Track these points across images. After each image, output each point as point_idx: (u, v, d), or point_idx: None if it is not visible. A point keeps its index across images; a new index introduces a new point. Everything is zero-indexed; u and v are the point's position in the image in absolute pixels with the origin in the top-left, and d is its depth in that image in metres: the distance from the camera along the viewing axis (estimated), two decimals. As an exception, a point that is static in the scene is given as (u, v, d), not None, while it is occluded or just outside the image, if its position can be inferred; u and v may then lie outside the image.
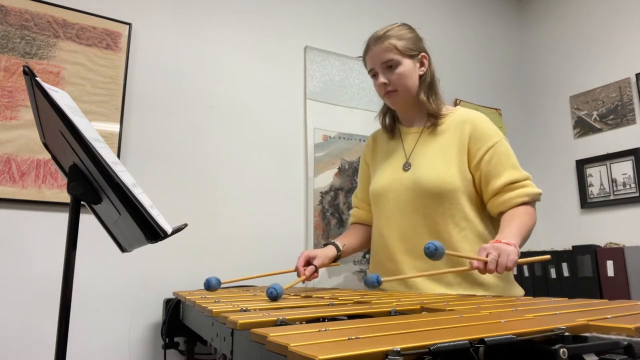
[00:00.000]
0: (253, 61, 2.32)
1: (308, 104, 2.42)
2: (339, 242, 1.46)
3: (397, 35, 1.31)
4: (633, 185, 2.63)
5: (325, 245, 1.46)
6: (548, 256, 1.09)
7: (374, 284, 1.05)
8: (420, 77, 1.34)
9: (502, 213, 1.23)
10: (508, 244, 1.04)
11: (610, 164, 2.74)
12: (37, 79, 0.76)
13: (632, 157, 2.65)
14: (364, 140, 2.54)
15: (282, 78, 2.39)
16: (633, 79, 2.70)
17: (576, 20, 3.07)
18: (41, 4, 1.85)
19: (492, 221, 1.31)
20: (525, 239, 1.16)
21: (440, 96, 1.36)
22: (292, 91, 2.41)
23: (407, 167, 1.34)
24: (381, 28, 1.36)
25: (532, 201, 1.23)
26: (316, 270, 1.36)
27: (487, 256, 1.02)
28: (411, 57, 1.33)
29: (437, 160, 1.28)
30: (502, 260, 1.00)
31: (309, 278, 1.35)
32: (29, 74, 0.76)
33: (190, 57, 2.16)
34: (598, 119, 2.87)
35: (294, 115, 2.39)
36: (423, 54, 1.35)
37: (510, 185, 1.23)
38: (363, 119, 2.57)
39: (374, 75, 1.38)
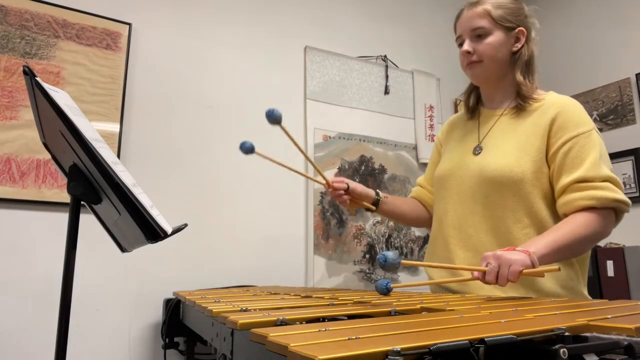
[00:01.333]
0: (253, 61, 2.32)
1: (308, 104, 2.42)
2: (383, 196, 1.37)
3: (495, 3, 1.17)
4: (633, 185, 2.63)
5: None
6: (557, 267, 0.92)
7: (384, 291, 0.97)
8: (514, 53, 1.18)
9: (566, 216, 1.06)
10: (523, 251, 0.91)
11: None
12: (37, 79, 0.76)
13: (632, 157, 2.65)
14: (364, 140, 2.55)
15: (282, 78, 2.39)
16: (633, 79, 2.70)
17: (576, 21, 3.07)
18: (41, 4, 1.85)
19: None
20: (566, 252, 1.00)
21: (535, 80, 1.20)
22: (292, 91, 2.41)
23: (477, 150, 1.20)
24: None
25: (601, 207, 1.02)
26: (347, 191, 1.29)
27: (486, 266, 0.91)
28: (506, 29, 1.16)
29: (509, 146, 1.14)
30: (502, 271, 0.88)
31: (334, 192, 1.29)
32: (29, 74, 0.76)
33: (190, 57, 2.16)
34: (598, 119, 2.87)
35: (294, 115, 2.39)
36: (521, 28, 1.18)
37: (579, 183, 1.04)
38: (363, 119, 2.57)
39: (460, 43, 1.22)
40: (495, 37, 1.16)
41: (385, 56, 2.72)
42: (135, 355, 1.83)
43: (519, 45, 1.19)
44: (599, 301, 0.80)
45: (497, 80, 1.22)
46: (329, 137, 2.44)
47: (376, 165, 2.56)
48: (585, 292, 1.15)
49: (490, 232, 1.13)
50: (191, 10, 2.21)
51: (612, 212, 1.05)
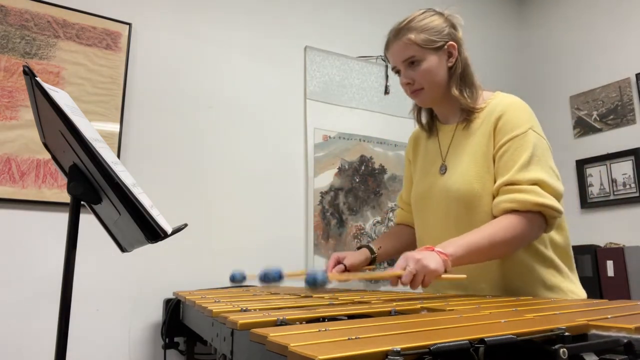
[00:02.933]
0: (253, 61, 2.32)
1: (308, 104, 2.42)
2: (374, 244, 1.37)
3: (418, 28, 1.16)
4: (633, 185, 2.63)
5: (358, 248, 1.39)
6: (464, 276, 0.96)
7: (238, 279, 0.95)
8: (450, 68, 1.18)
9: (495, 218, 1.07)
10: (441, 255, 0.93)
11: (610, 164, 2.74)
12: (37, 79, 0.76)
13: (632, 157, 2.65)
14: (364, 140, 2.55)
15: (282, 78, 2.39)
16: (633, 79, 2.70)
17: (576, 21, 3.07)
18: (41, 4, 1.85)
19: None
20: (483, 255, 1.01)
21: (476, 87, 1.19)
22: (292, 91, 2.41)
23: (442, 170, 1.20)
24: (403, 18, 1.20)
25: (525, 210, 1.01)
26: (346, 270, 1.29)
27: (405, 268, 0.91)
28: (435, 50, 1.16)
29: (467, 162, 1.14)
30: (418, 278, 0.90)
31: (337, 278, 1.29)
32: (29, 74, 0.76)
33: (190, 57, 2.16)
34: (598, 119, 2.87)
35: (294, 115, 2.39)
36: (450, 43, 1.17)
37: (506, 186, 1.04)
38: (363, 119, 2.57)
39: (397, 72, 1.23)
40: (429, 62, 1.16)
41: (385, 56, 2.71)
42: (135, 355, 1.83)
43: (453, 60, 1.18)
44: (599, 301, 0.80)
45: (443, 98, 1.21)
46: (329, 137, 2.44)
47: (376, 165, 2.56)
48: (576, 288, 1.13)
49: None
50: (191, 11, 2.21)
51: (538, 215, 1.02)
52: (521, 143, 1.06)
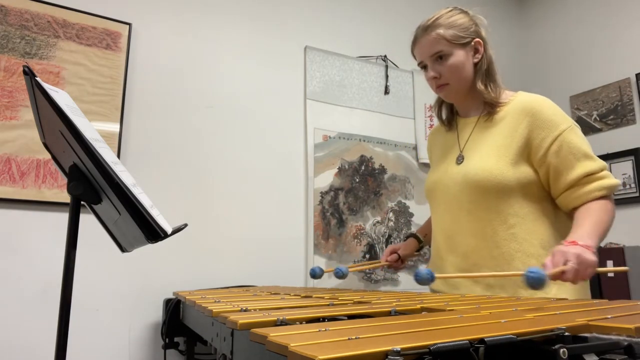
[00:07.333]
0: (253, 61, 2.32)
1: (308, 104, 2.42)
2: (419, 233, 1.49)
3: (446, 24, 1.20)
4: (633, 185, 2.63)
5: (407, 238, 1.51)
6: (627, 268, 1.06)
7: (428, 280, 0.90)
8: (476, 65, 1.23)
9: (576, 208, 1.12)
10: (586, 247, 0.96)
11: (610, 164, 2.74)
12: (37, 79, 0.76)
13: (632, 157, 2.65)
14: (364, 140, 2.55)
15: (282, 78, 2.39)
16: (633, 79, 2.70)
17: (576, 20, 3.07)
18: (41, 4, 1.85)
19: (555, 218, 1.18)
20: (601, 239, 1.06)
21: (498, 83, 1.25)
22: (292, 91, 2.41)
23: (460, 160, 1.25)
24: (431, 15, 1.24)
25: (610, 194, 1.11)
26: (400, 259, 1.42)
27: (565, 263, 0.92)
28: (463, 45, 1.21)
29: (488, 151, 1.18)
30: (581, 272, 0.93)
31: (392, 265, 1.43)
32: (29, 74, 0.76)
33: (190, 57, 2.16)
34: (598, 119, 2.87)
35: (294, 115, 2.39)
36: (477, 39, 1.22)
37: (586, 177, 1.11)
38: (363, 119, 2.57)
39: (423, 67, 1.27)
40: (456, 57, 1.21)
41: (385, 56, 2.72)
42: (135, 355, 1.83)
43: (479, 56, 1.23)
44: (599, 301, 0.80)
45: (467, 93, 1.26)
46: (329, 137, 2.44)
47: (376, 165, 2.56)
48: (587, 288, 1.20)
49: (478, 235, 1.17)
50: (191, 11, 2.21)
51: (612, 196, 1.13)
52: (571, 137, 1.14)
